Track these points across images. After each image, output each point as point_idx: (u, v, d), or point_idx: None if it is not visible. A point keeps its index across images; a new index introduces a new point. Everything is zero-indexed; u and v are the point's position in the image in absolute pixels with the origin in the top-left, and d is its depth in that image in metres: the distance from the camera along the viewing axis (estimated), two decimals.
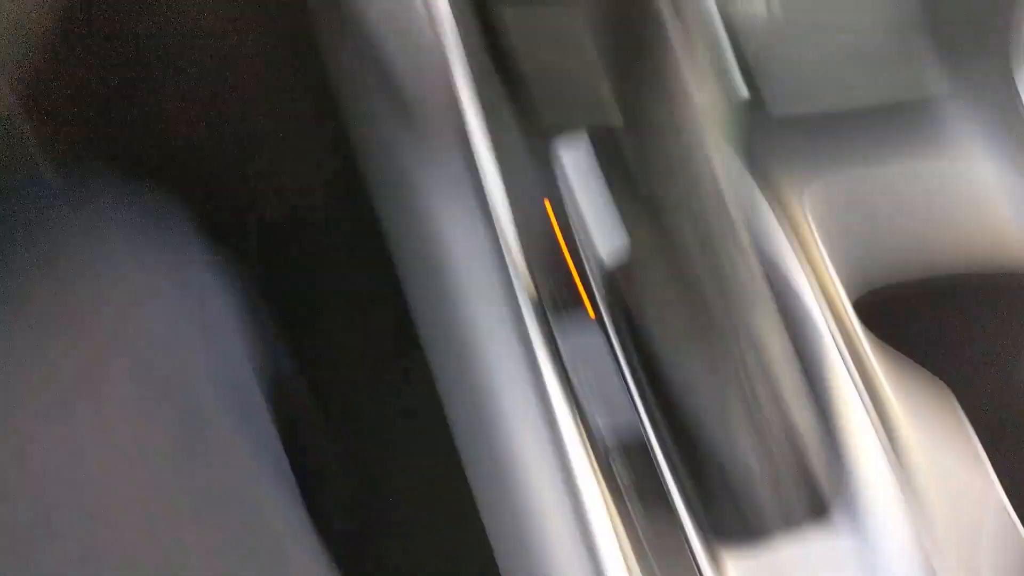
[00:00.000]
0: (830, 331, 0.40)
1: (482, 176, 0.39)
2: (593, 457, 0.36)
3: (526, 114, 0.42)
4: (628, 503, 0.36)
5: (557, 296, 0.39)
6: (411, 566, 0.49)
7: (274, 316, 0.42)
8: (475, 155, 0.40)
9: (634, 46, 0.34)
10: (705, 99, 0.35)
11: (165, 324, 0.32)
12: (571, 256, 0.41)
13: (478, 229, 0.39)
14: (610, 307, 0.40)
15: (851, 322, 0.41)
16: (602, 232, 0.41)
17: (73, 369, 0.30)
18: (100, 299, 0.32)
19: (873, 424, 0.39)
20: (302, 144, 0.50)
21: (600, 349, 0.39)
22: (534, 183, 0.41)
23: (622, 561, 0.34)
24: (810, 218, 0.44)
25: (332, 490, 0.41)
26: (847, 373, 0.39)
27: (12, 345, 0.29)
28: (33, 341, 0.30)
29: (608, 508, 0.35)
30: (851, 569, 0.36)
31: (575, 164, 0.42)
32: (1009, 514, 0.40)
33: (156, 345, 0.32)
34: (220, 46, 0.47)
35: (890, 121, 0.46)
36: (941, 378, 0.44)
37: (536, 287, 0.39)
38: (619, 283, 0.40)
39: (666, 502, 0.36)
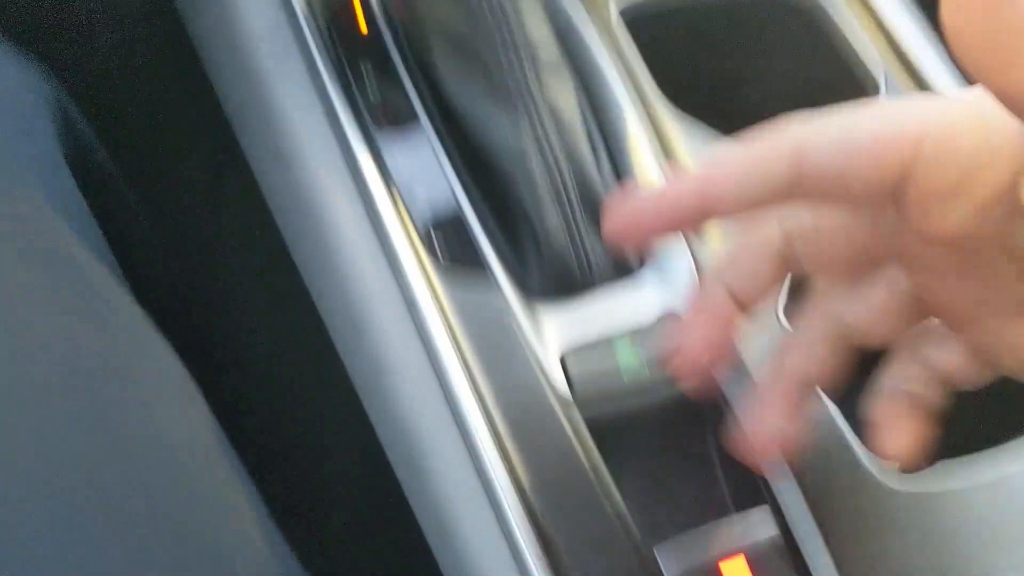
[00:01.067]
0: (630, 101, 0.43)
1: None
2: (413, 233, 0.38)
3: None
4: (449, 272, 0.38)
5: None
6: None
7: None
8: None
9: None
10: None
11: None
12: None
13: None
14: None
15: (651, 92, 0.44)
16: None
17: None
18: None
19: None
20: None
21: (411, 120, 0.41)
22: None
23: (445, 328, 0.37)
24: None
25: (144, 248, 0.43)
26: (646, 141, 0.42)
27: None
28: None
29: (429, 280, 0.38)
30: (654, 310, 0.39)
31: None
32: None
33: None
34: None
35: None
36: None
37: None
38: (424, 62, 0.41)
39: (484, 268, 0.39)
